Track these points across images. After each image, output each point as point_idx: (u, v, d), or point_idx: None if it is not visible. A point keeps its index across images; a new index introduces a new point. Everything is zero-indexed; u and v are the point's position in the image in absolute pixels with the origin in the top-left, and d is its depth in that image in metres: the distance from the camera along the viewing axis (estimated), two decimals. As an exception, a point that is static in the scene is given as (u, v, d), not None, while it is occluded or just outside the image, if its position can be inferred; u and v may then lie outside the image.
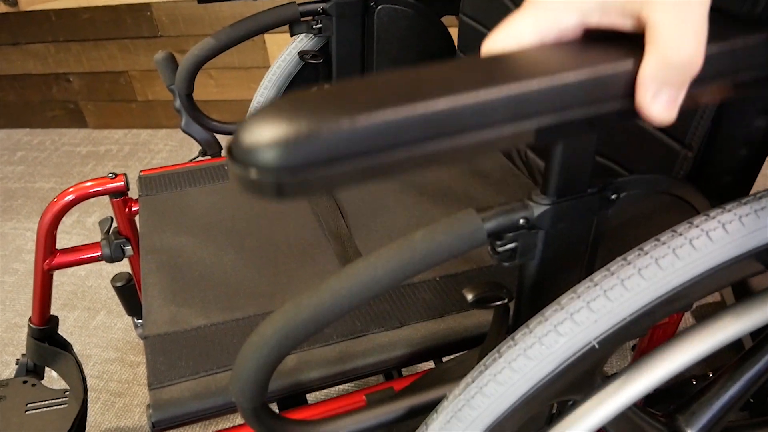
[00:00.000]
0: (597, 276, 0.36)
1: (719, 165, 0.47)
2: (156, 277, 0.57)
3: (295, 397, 0.50)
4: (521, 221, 0.37)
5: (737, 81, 0.33)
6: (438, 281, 0.57)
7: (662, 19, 0.30)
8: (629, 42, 0.31)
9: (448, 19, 0.86)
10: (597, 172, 0.50)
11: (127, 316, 1.27)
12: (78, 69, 1.93)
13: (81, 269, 1.41)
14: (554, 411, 0.42)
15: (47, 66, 1.95)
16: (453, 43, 0.84)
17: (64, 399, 0.87)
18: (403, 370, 0.66)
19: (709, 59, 0.30)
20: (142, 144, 1.94)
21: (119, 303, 1.30)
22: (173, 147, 1.90)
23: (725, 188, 0.48)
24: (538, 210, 0.37)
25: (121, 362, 1.17)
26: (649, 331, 0.62)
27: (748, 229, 0.36)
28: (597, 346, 0.36)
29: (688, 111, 0.45)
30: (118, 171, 1.73)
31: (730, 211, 0.36)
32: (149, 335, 0.51)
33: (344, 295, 0.35)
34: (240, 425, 0.48)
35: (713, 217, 0.36)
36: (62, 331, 0.94)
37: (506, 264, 0.39)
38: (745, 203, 0.36)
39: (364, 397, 0.48)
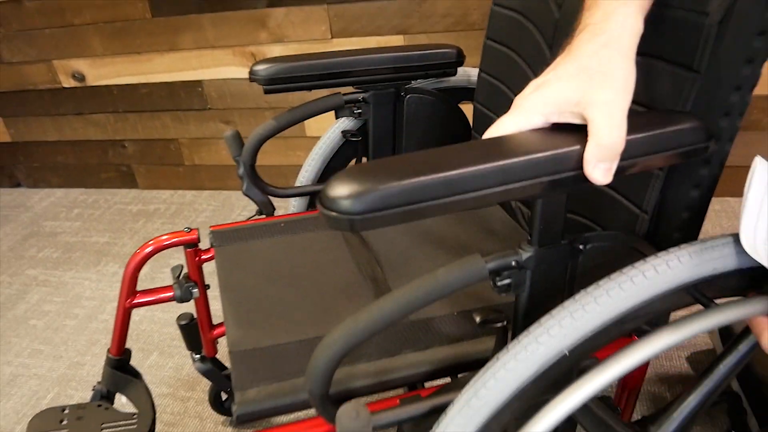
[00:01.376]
0: (566, 303, 0.51)
1: (669, 224, 0.63)
2: (234, 308, 0.73)
3: (343, 402, 0.64)
4: (513, 263, 0.53)
5: (654, 159, 0.50)
6: (455, 315, 0.72)
7: (597, 117, 0.47)
8: (578, 131, 0.48)
9: (465, 106, 1.05)
10: (578, 229, 0.66)
11: (176, 357, 1.43)
12: (133, 136, 2.16)
13: (135, 315, 1.57)
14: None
15: (106, 133, 2.18)
16: (469, 124, 1.02)
17: (134, 421, 1.01)
18: (426, 384, 0.79)
19: (629, 143, 0.47)
20: (187, 204, 2.14)
21: (170, 345, 1.47)
22: (216, 207, 2.09)
23: (675, 242, 0.63)
24: (525, 255, 0.53)
25: (173, 397, 1.31)
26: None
27: (674, 270, 0.51)
28: (567, 354, 0.50)
29: (643, 184, 0.61)
30: (166, 228, 1.93)
31: (660, 257, 0.51)
32: (233, 351, 0.66)
33: (386, 313, 0.50)
34: (301, 421, 0.62)
35: (648, 261, 0.51)
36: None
37: (503, 295, 0.54)
38: (672, 252, 0.52)
39: (398, 401, 0.62)
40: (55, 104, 2.16)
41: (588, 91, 0.49)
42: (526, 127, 0.51)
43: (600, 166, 0.47)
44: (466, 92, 1.03)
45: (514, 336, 0.57)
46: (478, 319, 0.55)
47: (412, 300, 0.50)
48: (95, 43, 1.98)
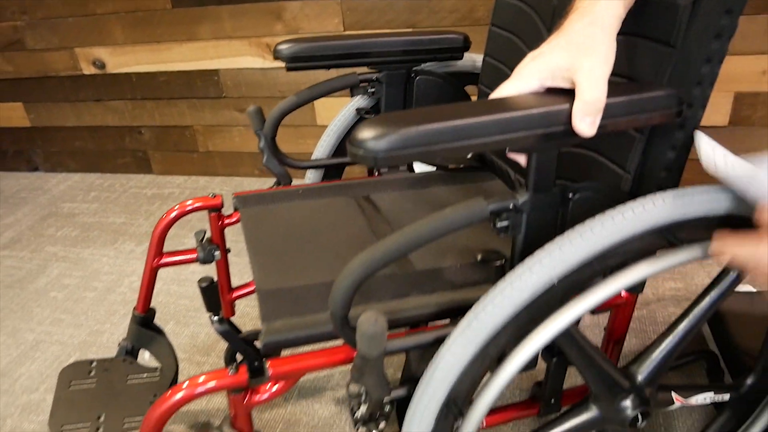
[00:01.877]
0: (557, 238, 0.59)
1: (649, 183, 0.71)
2: (259, 257, 0.82)
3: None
4: (511, 206, 0.61)
5: (632, 119, 0.59)
6: (459, 267, 0.80)
7: (582, 80, 0.56)
8: (567, 94, 0.57)
9: (470, 90, 1.13)
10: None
11: (191, 326, 1.51)
12: (150, 123, 2.25)
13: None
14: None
15: (123, 119, 2.27)
16: (473, 105, 1.10)
17: (157, 374, 1.09)
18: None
19: (608, 105, 0.55)
20: (201, 189, 2.22)
21: (185, 315, 1.55)
22: (228, 192, 2.17)
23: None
24: (521, 199, 0.61)
25: (189, 361, 1.39)
26: (613, 312, 0.83)
27: (651, 212, 0.59)
28: (556, 283, 0.58)
29: (626, 147, 0.69)
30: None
31: (639, 201, 0.59)
32: (260, 289, 0.74)
33: (401, 244, 0.58)
34: (319, 351, 0.70)
35: (628, 205, 0.59)
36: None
37: (502, 236, 0.63)
38: (649, 197, 0.60)
39: (404, 334, 0.70)
40: (75, 91, 2.25)
41: (576, 59, 0.58)
42: (524, 91, 0.61)
43: (585, 120, 0.56)
44: (471, 76, 1.11)
45: None
46: (479, 257, 0.64)
47: (422, 234, 0.58)
48: (116, 32, 2.07)
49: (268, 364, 0.67)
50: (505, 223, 0.61)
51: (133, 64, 2.12)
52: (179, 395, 0.66)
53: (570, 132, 0.57)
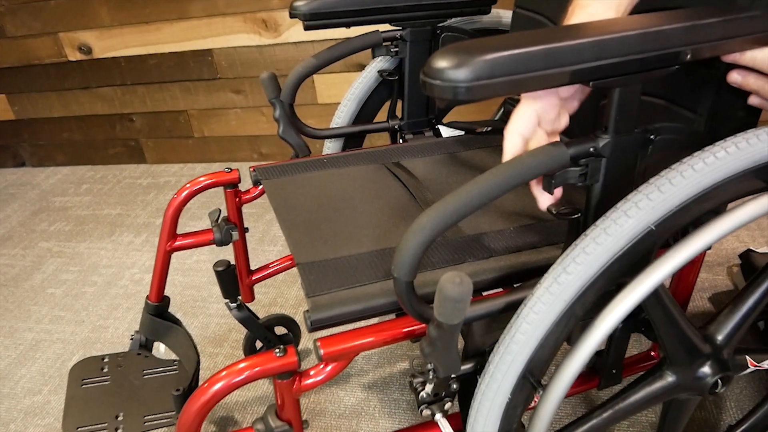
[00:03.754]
0: (652, 180, 0.52)
1: (727, 125, 0.64)
2: (293, 229, 0.74)
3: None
4: (591, 149, 0.54)
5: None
6: (512, 230, 0.73)
7: None
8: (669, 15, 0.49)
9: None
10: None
11: (200, 316, 1.43)
12: (141, 109, 2.14)
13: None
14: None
15: (113, 107, 2.17)
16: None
17: (175, 367, 1.01)
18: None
19: (702, 26, 0.49)
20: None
21: (192, 306, 1.47)
22: (227, 177, 2.08)
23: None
24: (602, 142, 0.54)
25: (202, 353, 1.30)
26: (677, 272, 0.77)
27: (753, 148, 0.52)
28: (654, 228, 0.51)
29: (696, 88, 0.63)
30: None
31: (739, 137, 0.53)
32: (300, 262, 0.67)
33: (474, 195, 0.51)
34: (370, 326, 0.63)
35: (728, 141, 0.52)
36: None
37: (580, 185, 0.55)
38: (748, 133, 0.53)
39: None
40: (61, 79, 2.14)
41: None
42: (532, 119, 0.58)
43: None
44: (497, 33, 1.04)
45: (586, 227, 0.59)
46: (554, 210, 0.57)
47: (498, 183, 0.51)
48: (102, 13, 1.97)
49: (318, 343, 0.59)
50: (583, 171, 0.54)
51: (122, 47, 2.02)
52: (219, 385, 0.59)
53: (667, 57, 0.49)
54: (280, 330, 1.22)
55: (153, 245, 1.75)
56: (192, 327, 1.39)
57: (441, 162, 0.91)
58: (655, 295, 0.58)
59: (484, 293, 0.70)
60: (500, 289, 0.69)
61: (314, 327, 0.61)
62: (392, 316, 0.64)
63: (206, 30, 1.91)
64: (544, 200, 0.58)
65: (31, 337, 1.45)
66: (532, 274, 0.68)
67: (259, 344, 1.20)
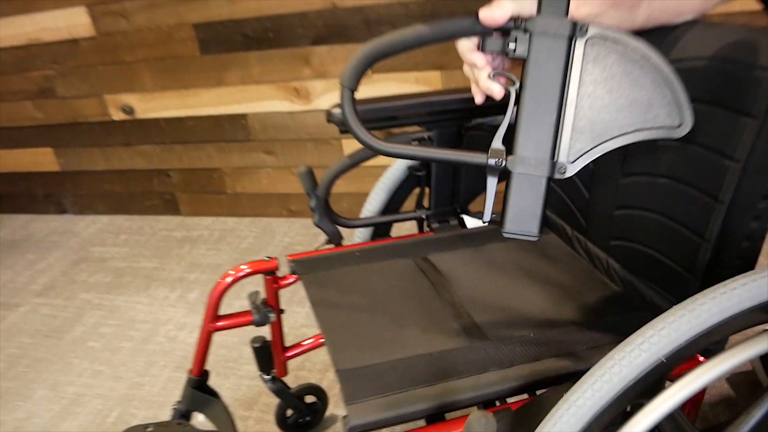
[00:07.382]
0: (662, 316, 0.59)
1: (730, 252, 0.70)
2: (332, 332, 0.81)
3: (437, 416, 0.72)
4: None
5: None
6: (531, 336, 0.79)
7: None
8: None
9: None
10: (642, 257, 0.73)
11: (231, 377, 1.51)
12: (178, 166, 2.26)
13: (189, 339, 1.65)
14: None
15: (152, 163, 2.29)
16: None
17: (213, 437, 1.08)
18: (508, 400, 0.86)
19: None
20: (229, 230, 2.23)
21: (224, 366, 1.54)
22: (257, 233, 2.18)
23: (736, 268, 0.71)
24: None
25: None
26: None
27: (747, 292, 0.59)
28: (665, 360, 0.58)
29: (705, 215, 0.69)
30: (211, 254, 1.99)
31: (747, 277, 0.59)
32: (340, 369, 0.74)
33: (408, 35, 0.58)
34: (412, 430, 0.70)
35: (746, 275, 0.59)
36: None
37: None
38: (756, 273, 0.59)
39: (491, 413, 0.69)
40: (105, 136, 2.28)
41: None
42: None
43: None
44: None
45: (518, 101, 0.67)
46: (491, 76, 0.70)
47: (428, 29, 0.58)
48: (145, 78, 2.10)
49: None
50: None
51: (162, 109, 2.15)
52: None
53: None
54: (309, 397, 1.29)
55: (187, 302, 1.83)
56: (223, 389, 1.46)
57: (466, 257, 0.98)
58: (671, 419, 0.63)
59: (508, 400, 0.76)
60: (525, 395, 0.75)
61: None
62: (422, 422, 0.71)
63: (241, 96, 2.03)
64: (479, 60, 0.70)
65: (72, 390, 1.54)
66: (547, 384, 0.74)
67: (289, 411, 1.27)
